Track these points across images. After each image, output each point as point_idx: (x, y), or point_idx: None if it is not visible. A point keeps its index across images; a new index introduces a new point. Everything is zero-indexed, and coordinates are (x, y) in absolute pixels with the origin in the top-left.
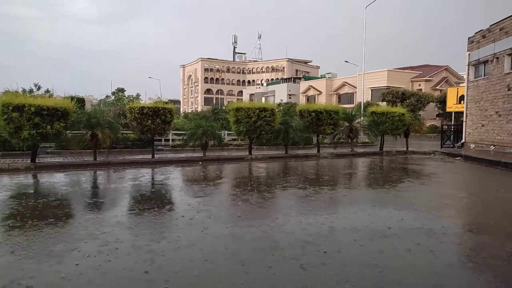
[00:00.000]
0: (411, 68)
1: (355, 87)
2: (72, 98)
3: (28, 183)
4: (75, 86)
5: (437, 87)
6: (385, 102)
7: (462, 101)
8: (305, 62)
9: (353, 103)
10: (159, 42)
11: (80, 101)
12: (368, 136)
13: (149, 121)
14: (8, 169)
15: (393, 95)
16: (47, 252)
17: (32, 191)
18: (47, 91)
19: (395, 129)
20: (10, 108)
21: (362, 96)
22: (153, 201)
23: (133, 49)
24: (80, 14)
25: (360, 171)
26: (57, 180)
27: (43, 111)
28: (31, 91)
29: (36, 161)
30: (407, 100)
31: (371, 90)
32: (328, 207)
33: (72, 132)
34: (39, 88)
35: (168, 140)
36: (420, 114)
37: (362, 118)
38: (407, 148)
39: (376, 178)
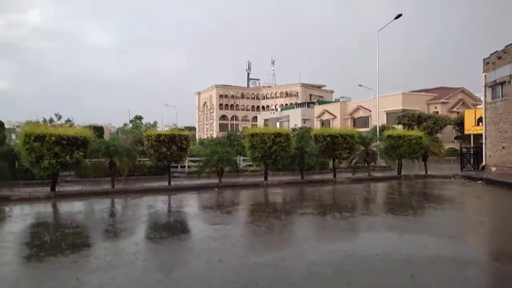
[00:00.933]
0: (426, 90)
1: (370, 111)
2: (91, 127)
3: (47, 212)
4: (95, 115)
5: (454, 109)
6: (401, 126)
7: (481, 123)
8: (319, 87)
9: (369, 127)
10: (174, 70)
11: (99, 130)
12: (385, 160)
13: (166, 148)
14: (29, 198)
15: (409, 118)
16: (63, 281)
17: (51, 220)
18: (68, 120)
19: (413, 153)
20: (32, 138)
21: (378, 119)
22: (170, 229)
23: (149, 78)
24: (98, 44)
25: (379, 197)
26: (75, 209)
27: (63, 140)
28: (51, 120)
29: (56, 190)
30: (424, 123)
31: (386, 113)
32: (347, 234)
33: (91, 160)
34: (59, 118)
35: (184, 166)
36: (437, 137)
37: (378, 141)
38: (426, 171)
39: (396, 203)
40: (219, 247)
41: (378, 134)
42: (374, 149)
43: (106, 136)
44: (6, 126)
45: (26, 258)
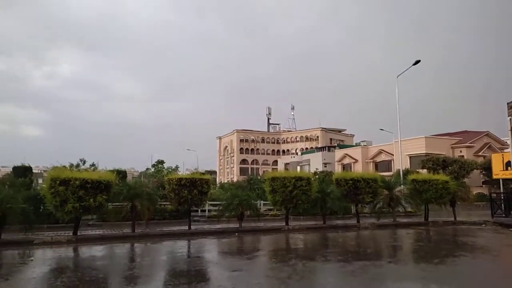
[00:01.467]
0: (449, 134)
1: (392, 155)
2: (115, 171)
3: (68, 257)
4: (119, 160)
5: (480, 153)
6: (425, 170)
7: (509, 167)
8: (339, 131)
9: (391, 171)
10: (196, 116)
11: (122, 174)
12: (410, 205)
13: (186, 192)
14: (51, 241)
15: (434, 162)
16: None
17: (71, 265)
18: (92, 164)
19: (440, 198)
20: (57, 182)
21: (401, 163)
22: (189, 276)
23: (172, 124)
24: (127, 94)
25: (406, 244)
26: (96, 254)
27: (88, 184)
28: (77, 165)
29: (78, 234)
30: (449, 167)
31: (410, 157)
32: (374, 284)
33: (113, 204)
34: (84, 163)
35: (204, 210)
36: (464, 182)
37: (402, 186)
38: (455, 217)
39: (425, 251)
40: None
41: (402, 178)
42: (398, 193)
43: (129, 180)
44: (34, 171)
45: None
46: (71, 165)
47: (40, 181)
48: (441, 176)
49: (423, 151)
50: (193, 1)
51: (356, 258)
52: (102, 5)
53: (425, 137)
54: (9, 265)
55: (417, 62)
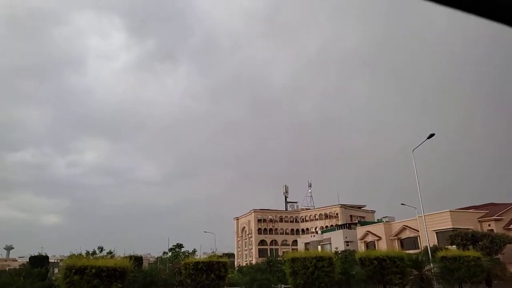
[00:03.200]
0: (475, 207)
1: (417, 231)
2: (130, 257)
3: None
4: (136, 245)
5: (510, 227)
6: (454, 246)
7: None
8: (359, 207)
9: (418, 248)
10: (213, 198)
11: (138, 260)
12: (442, 286)
13: (204, 276)
14: None
15: (462, 238)
16: None
17: None
18: (110, 252)
19: (473, 276)
20: (73, 271)
21: (427, 240)
22: None
23: (189, 207)
24: (144, 177)
25: None
26: None
27: (103, 272)
28: (94, 253)
29: None
30: (479, 243)
31: (436, 232)
32: None
33: None
34: (101, 250)
35: None
36: (498, 258)
37: (431, 264)
38: None
39: None
40: None
41: (430, 255)
42: (428, 273)
43: (145, 266)
44: (51, 260)
45: None
46: (87, 253)
47: (55, 270)
48: (472, 252)
49: (449, 226)
50: (207, 87)
51: None
52: (123, 97)
53: (449, 211)
54: None
55: (431, 135)
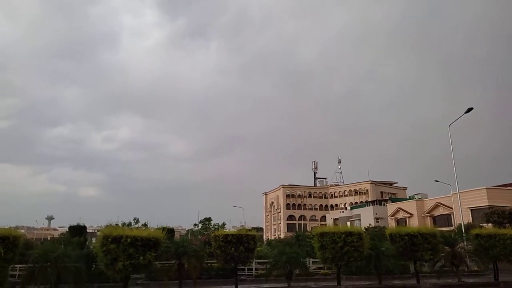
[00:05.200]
0: None
1: (451, 208)
2: (163, 229)
3: None
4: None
5: None
6: (490, 224)
7: None
8: (390, 184)
9: (452, 226)
10: (243, 173)
11: (170, 232)
12: (476, 264)
13: (233, 248)
14: None
15: (499, 215)
16: None
17: None
18: (144, 224)
19: (509, 255)
20: (109, 240)
21: (461, 217)
22: None
23: (219, 182)
24: (177, 153)
25: None
26: None
27: (138, 242)
28: (129, 224)
29: None
30: None
31: (471, 210)
32: None
33: (161, 262)
34: (137, 222)
35: (251, 269)
36: None
37: (465, 242)
38: None
39: None
40: None
41: (463, 233)
42: (461, 250)
43: (177, 238)
44: (88, 230)
45: None
46: (124, 224)
47: (93, 239)
48: (509, 231)
49: (485, 203)
50: (237, 64)
51: None
52: (156, 74)
53: (486, 188)
54: None
55: (470, 109)
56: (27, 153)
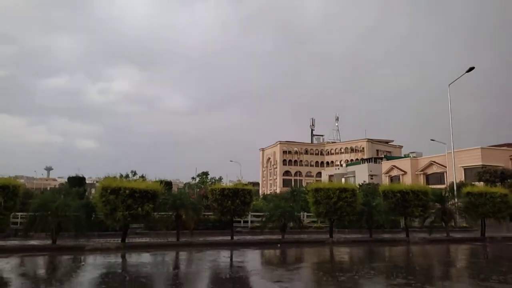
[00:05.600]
0: (508, 145)
1: (445, 167)
2: (161, 181)
3: (116, 263)
4: (165, 171)
5: None
6: (482, 183)
7: None
8: (386, 142)
9: (444, 184)
10: (240, 129)
11: (168, 185)
12: (465, 220)
13: (229, 202)
14: (101, 248)
15: (491, 175)
16: None
17: (119, 271)
18: (142, 176)
19: (498, 212)
20: (108, 191)
21: (454, 176)
22: (232, 284)
23: (216, 137)
24: (174, 107)
25: (460, 260)
26: (142, 260)
27: (136, 193)
28: (127, 176)
29: (126, 241)
30: (509, 180)
31: (464, 169)
32: None
33: (159, 213)
34: (134, 174)
35: (247, 221)
36: None
37: (456, 199)
38: None
39: (482, 269)
40: None
41: (455, 191)
42: (452, 207)
43: (174, 191)
44: (88, 181)
45: None
46: (121, 176)
47: (92, 191)
48: (499, 189)
49: (479, 163)
50: (237, 17)
51: (406, 275)
52: (153, 25)
53: (481, 147)
54: (63, 269)
55: (471, 69)
56: (24, 103)
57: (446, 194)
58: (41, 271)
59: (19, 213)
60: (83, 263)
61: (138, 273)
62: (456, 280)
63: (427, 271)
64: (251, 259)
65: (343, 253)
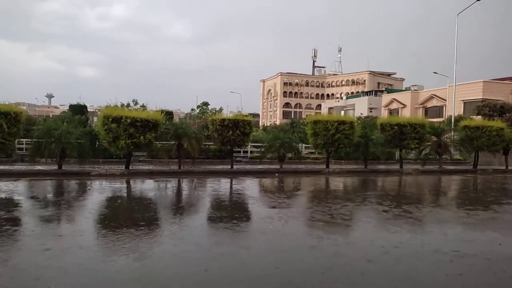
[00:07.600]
0: (511, 78)
1: (445, 100)
2: (162, 111)
3: (121, 187)
4: (167, 101)
5: None
6: (480, 116)
7: None
8: (388, 75)
9: (443, 117)
10: (241, 59)
11: (169, 114)
12: (460, 153)
13: (230, 132)
14: (106, 174)
15: (490, 108)
16: (132, 249)
17: (124, 195)
18: (143, 105)
19: (492, 145)
20: (110, 119)
21: (453, 109)
22: (230, 209)
23: (217, 67)
24: (175, 36)
25: (449, 189)
26: (146, 186)
27: (137, 122)
28: (128, 105)
29: (130, 168)
30: (507, 114)
31: (464, 103)
32: (411, 226)
33: (161, 142)
34: (136, 103)
35: (246, 152)
36: None
37: (452, 132)
38: (507, 166)
39: (469, 197)
40: (274, 229)
41: (453, 124)
42: (448, 140)
43: (176, 121)
44: (89, 109)
45: (102, 228)
46: (122, 105)
47: (94, 119)
48: (496, 123)
49: (479, 96)
50: None
51: (395, 202)
52: None
53: (483, 81)
54: (72, 192)
55: None
56: (21, 28)
57: (443, 127)
58: (50, 194)
59: (24, 139)
60: (89, 187)
61: (142, 197)
62: (441, 206)
63: (416, 198)
64: (250, 187)
65: (338, 182)
